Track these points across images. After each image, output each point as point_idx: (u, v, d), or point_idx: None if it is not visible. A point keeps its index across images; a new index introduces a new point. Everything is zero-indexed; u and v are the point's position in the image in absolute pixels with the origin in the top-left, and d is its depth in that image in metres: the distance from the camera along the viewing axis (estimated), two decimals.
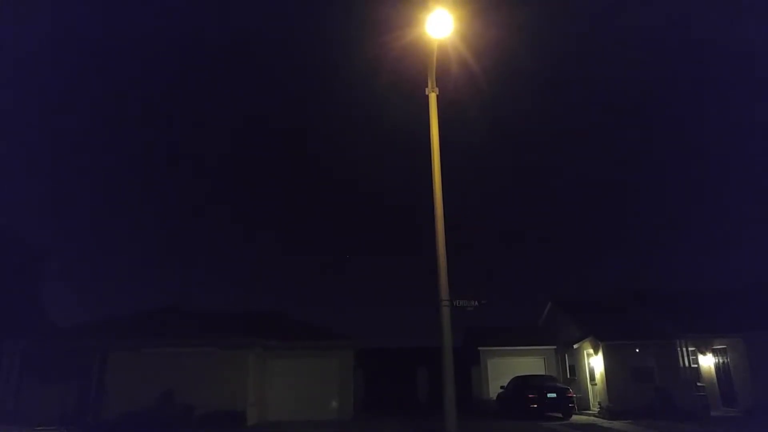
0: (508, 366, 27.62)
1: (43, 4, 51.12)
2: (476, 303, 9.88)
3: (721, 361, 22.37)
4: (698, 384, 21.42)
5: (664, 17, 58.38)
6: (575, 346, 25.40)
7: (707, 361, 22.62)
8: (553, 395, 21.18)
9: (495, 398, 25.64)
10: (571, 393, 21.71)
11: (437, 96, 10.28)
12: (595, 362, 23.64)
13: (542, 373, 27.36)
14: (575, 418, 21.67)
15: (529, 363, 28.21)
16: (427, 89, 10.34)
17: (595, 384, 23.92)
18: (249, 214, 75.62)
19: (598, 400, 23.50)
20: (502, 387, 24.60)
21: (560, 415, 21.35)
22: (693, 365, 22.16)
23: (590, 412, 23.92)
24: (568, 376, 27.17)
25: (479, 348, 28.94)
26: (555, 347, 28.60)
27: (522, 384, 22.52)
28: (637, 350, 22.69)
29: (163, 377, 19.44)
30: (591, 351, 24.06)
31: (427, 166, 10.00)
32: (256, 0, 74.62)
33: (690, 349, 22.06)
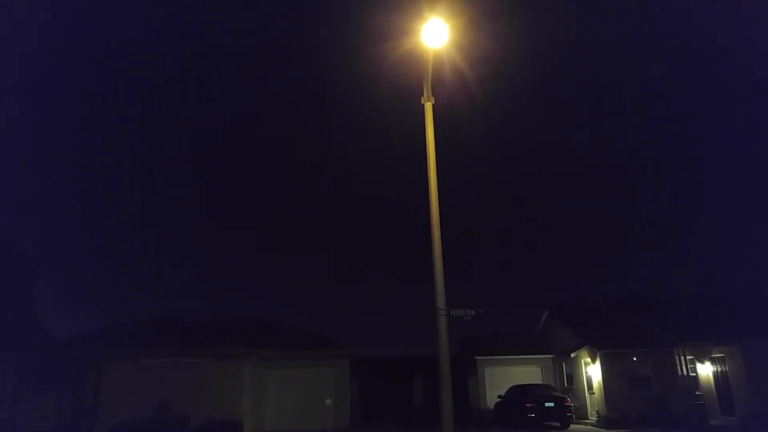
0: (506, 375, 27.55)
1: (41, 6, 51.19)
2: (473, 312, 9.82)
3: (719, 369, 22.34)
4: (696, 392, 21.38)
5: (661, 20, 58.79)
6: (573, 355, 25.35)
7: (705, 370, 22.59)
8: (551, 404, 21.12)
9: (492, 407, 25.55)
10: (569, 402, 21.65)
11: (433, 105, 10.30)
12: (593, 371, 23.60)
13: (540, 382, 27.28)
14: (573, 427, 21.60)
15: (527, 372, 28.14)
16: (422, 98, 10.36)
17: (593, 393, 23.86)
18: (244, 222, 75.53)
19: (595, 408, 23.43)
20: (499, 396, 24.53)
21: (558, 424, 21.28)
22: (691, 374, 22.14)
23: (588, 421, 23.85)
24: (566, 384, 27.10)
25: (476, 357, 28.87)
26: (552, 356, 28.54)
27: (519, 393, 22.46)
28: (635, 359, 22.67)
29: (159, 387, 19.33)
30: (588, 360, 24.02)
31: (424, 175, 10.00)
32: (254, 6, 74.91)
33: (688, 357, 22.04)
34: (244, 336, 22.29)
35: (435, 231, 9.72)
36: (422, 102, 10.36)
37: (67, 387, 19.75)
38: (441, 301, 9.44)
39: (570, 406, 21.51)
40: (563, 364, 27.73)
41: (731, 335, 21.65)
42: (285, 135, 79.88)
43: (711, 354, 22.52)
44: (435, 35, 9.70)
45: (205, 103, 74.65)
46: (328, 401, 21.94)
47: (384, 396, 29.26)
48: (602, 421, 21.95)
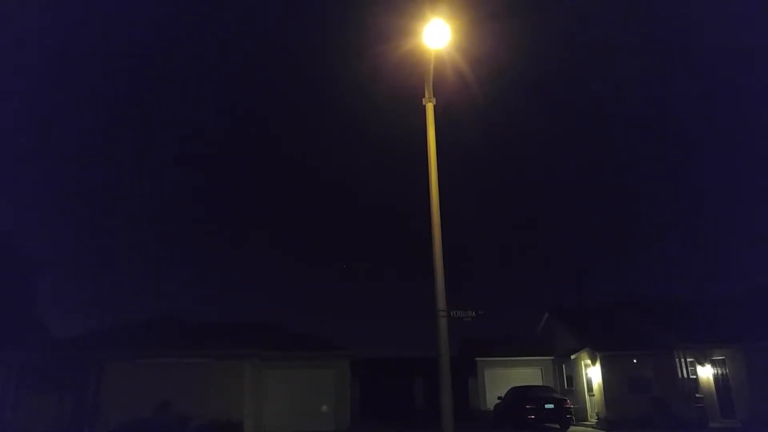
0: (506, 377, 27.53)
1: (41, 8, 51.22)
2: (474, 313, 9.82)
3: (719, 372, 22.30)
4: (696, 395, 21.35)
5: (662, 22, 58.78)
6: (573, 357, 25.33)
7: (706, 372, 22.56)
8: (551, 406, 21.08)
9: (492, 409, 25.52)
10: (569, 404, 21.61)
11: (434, 106, 10.30)
12: (593, 373, 23.58)
13: (540, 383, 27.26)
14: (573, 428, 21.56)
15: (527, 373, 28.12)
16: (424, 99, 10.36)
17: (593, 395, 23.83)
18: (245, 224, 75.53)
19: (595, 410, 23.40)
20: (499, 398, 24.49)
21: (558, 426, 21.24)
22: (691, 376, 22.11)
23: (588, 423, 23.82)
24: (566, 386, 27.07)
25: (476, 358, 28.84)
26: (552, 358, 28.52)
27: (519, 395, 22.42)
28: (635, 361, 22.64)
29: (160, 388, 19.31)
30: (588, 361, 24.00)
31: (424, 176, 10.00)
32: (255, 7, 74.95)
33: (688, 359, 22.01)
34: (245, 336, 22.27)
35: (436, 232, 9.72)
36: (423, 103, 10.37)
37: (67, 387, 19.73)
38: (441, 302, 9.44)
39: (570, 407, 21.47)
40: (563, 366, 27.70)
41: (732, 337, 21.61)
42: (286, 135, 79.94)
43: (711, 356, 22.49)
44: (436, 36, 9.70)
45: (206, 103, 74.69)
46: (324, 407, 21.87)
47: (384, 397, 29.24)
48: (602, 423, 21.91)
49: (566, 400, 21.84)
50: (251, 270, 66.60)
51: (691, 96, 64.94)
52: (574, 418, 22.29)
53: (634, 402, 21.80)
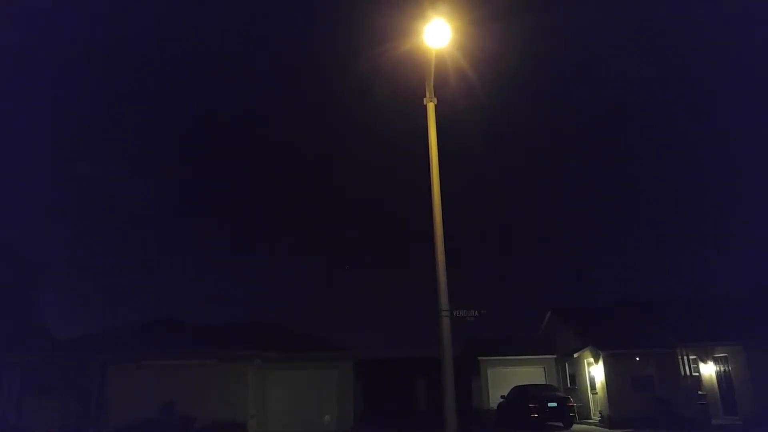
0: (509, 376, 27.51)
1: (38, 8, 51.26)
2: (476, 313, 9.82)
3: (722, 369, 22.31)
4: (699, 392, 21.35)
5: (662, 20, 58.75)
6: (575, 356, 25.32)
7: (708, 370, 22.56)
8: (554, 404, 21.11)
9: (495, 408, 25.54)
10: (572, 402, 21.64)
11: (435, 105, 10.30)
12: (596, 371, 23.57)
13: (543, 382, 27.26)
14: (576, 427, 21.58)
15: (530, 372, 28.10)
16: (425, 99, 10.36)
17: (596, 393, 23.83)
18: (245, 224, 75.54)
19: (598, 409, 23.41)
20: (502, 397, 24.51)
21: (561, 424, 21.26)
22: (694, 374, 22.10)
23: (591, 421, 23.82)
24: (569, 385, 27.08)
25: (479, 358, 28.84)
26: (555, 356, 28.51)
27: (522, 394, 22.45)
28: (638, 359, 22.63)
29: (163, 389, 19.35)
30: (591, 360, 24.00)
31: (425, 175, 10.00)
32: (254, 7, 74.96)
33: (691, 357, 22.01)
34: (248, 337, 22.29)
35: (438, 232, 9.72)
36: (424, 103, 10.36)
37: (71, 389, 19.76)
38: (444, 301, 9.44)
39: (573, 406, 21.50)
40: (566, 365, 27.70)
41: (734, 335, 21.62)
42: (286, 135, 79.86)
43: (714, 354, 22.49)
44: (437, 35, 9.69)
45: (206, 103, 74.68)
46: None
47: (387, 397, 29.26)
48: (605, 422, 21.92)
49: (569, 398, 21.87)
50: (253, 270, 66.63)
51: (691, 96, 64.89)
52: (576, 416, 22.31)
53: (637, 400, 21.80)
